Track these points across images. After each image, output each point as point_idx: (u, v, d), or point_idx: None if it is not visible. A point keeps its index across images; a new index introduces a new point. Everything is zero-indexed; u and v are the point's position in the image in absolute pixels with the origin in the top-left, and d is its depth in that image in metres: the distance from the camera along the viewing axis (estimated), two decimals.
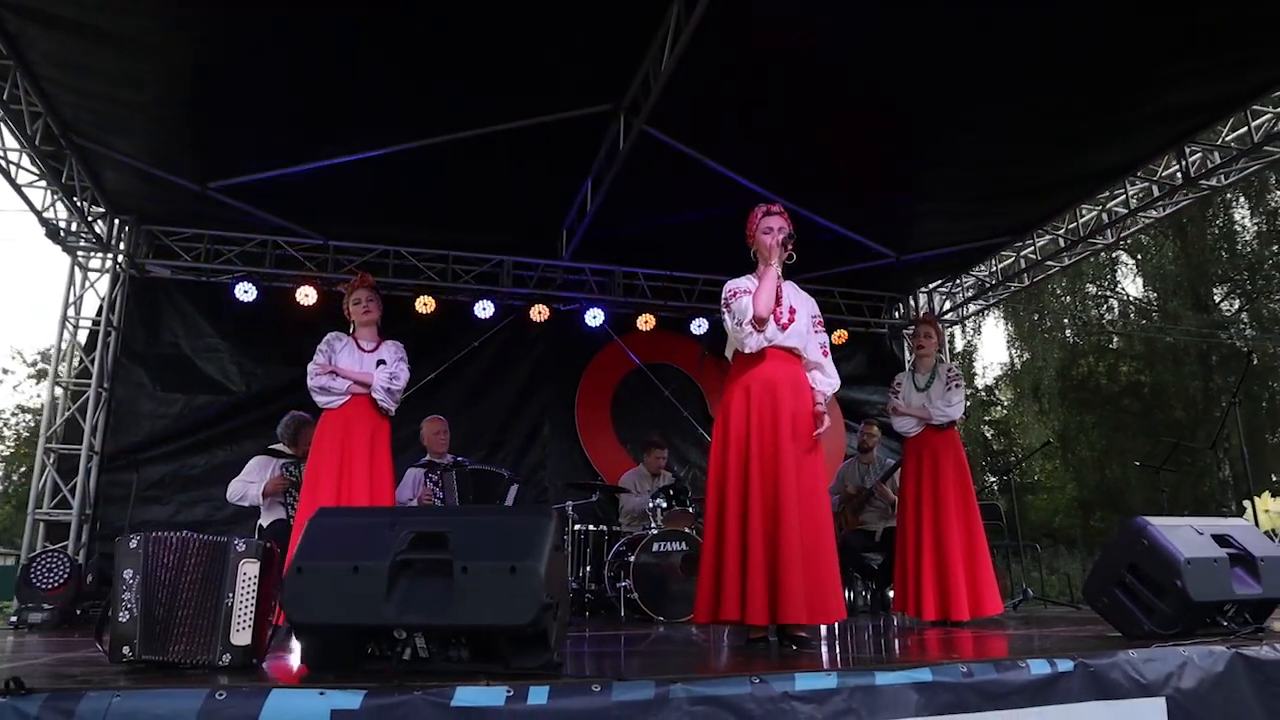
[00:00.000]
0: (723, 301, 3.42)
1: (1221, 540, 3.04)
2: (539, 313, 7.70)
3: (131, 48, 4.80)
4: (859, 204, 6.94)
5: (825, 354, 3.49)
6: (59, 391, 6.39)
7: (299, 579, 2.08)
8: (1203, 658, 2.48)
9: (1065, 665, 2.31)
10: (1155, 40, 4.87)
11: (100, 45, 4.77)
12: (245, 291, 6.80)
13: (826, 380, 3.44)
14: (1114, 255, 19.72)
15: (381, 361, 4.00)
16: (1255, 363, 15.77)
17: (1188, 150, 5.92)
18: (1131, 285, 21.48)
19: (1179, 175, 6.07)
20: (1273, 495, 9.13)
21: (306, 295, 6.91)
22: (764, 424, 3.21)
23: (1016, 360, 21.02)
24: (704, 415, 8.29)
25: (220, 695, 1.74)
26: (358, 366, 3.94)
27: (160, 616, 2.16)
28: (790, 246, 3.43)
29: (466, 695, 1.83)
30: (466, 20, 4.77)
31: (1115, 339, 21.41)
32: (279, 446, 5.11)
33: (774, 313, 3.35)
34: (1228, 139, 5.74)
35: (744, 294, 3.36)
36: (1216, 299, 19.62)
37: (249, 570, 2.23)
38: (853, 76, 5.30)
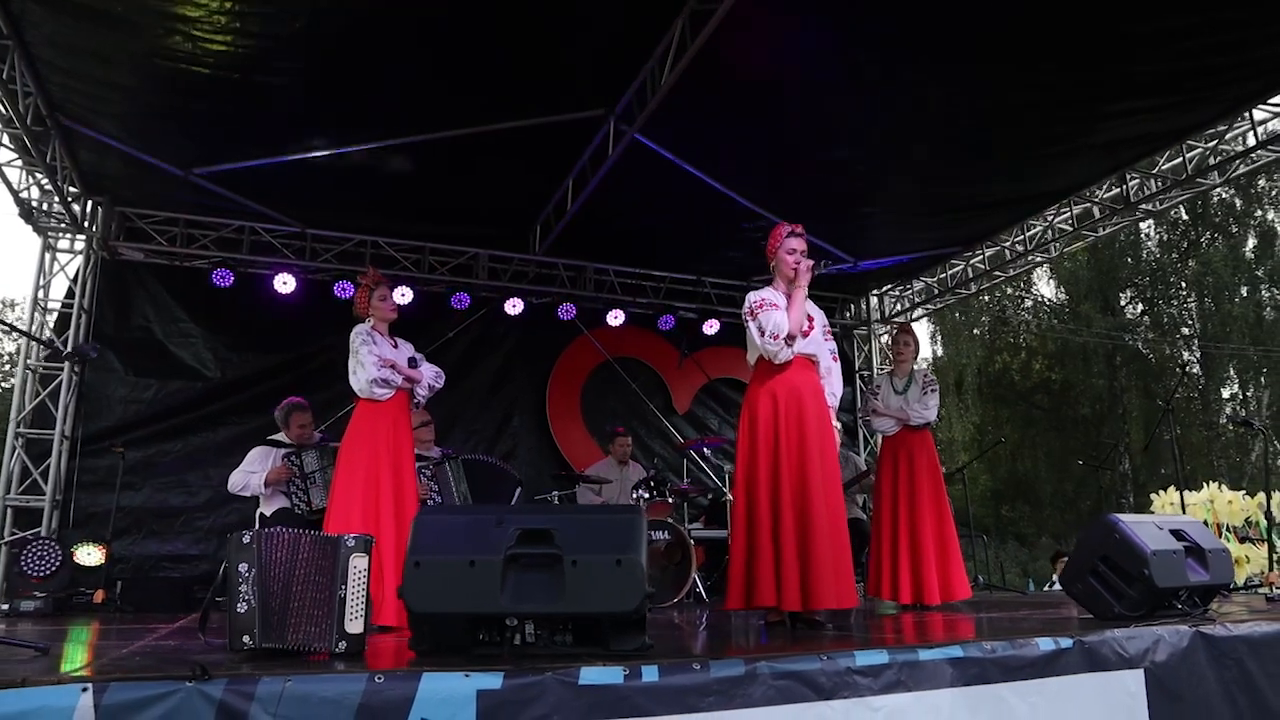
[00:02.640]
0: (748, 311, 3.70)
1: (1177, 534, 3.50)
2: (513, 306, 7.85)
3: (129, 31, 4.77)
4: (824, 212, 7.31)
5: (835, 359, 3.83)
6: (28, 374, 6.24)
7: (417, 572, 2.27)
8: (1171, 635, 2.90)
9: (1066, 643, 2.70)
10: (1101, 82, 5.40)
11: (98, 27, 4.72)
12: (223, 277, 6.75)
13: (831, 394, 3.78)
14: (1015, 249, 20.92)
15: (412, 359, 4.15)
16: (1185, 372, 17.01)
17: (1128, 177, 6.50)
18: (1046, 287, 22.83)
19: (1119, 199, 6.65)
20: (1177, 489, 10.00)
21: (285, 283, 6.90)
22: (790, 427, 3.52)
23: (941, 353, 22.06)
24: (668, 408, 8.60)
25: (379, 679, 1.93)
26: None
27: (276, 607, 2.32)
28: (814, 270, 3.72)
29: (590, 675, 2.07)
30: (465, 27, 4.89)
31: (1029, 338, 22.71)
32: (278, 436, 5.17)
33: None
34: (1164, 168, 6.34)
35: (771, 307, 3.63)
36: (1122, 303, 21.03)
37: (359, 564, 2.41)
38: (827, 96, 5.65)
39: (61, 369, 6.23)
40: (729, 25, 4.72)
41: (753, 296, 3.73)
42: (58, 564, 4.85)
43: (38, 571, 4.81)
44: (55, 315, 6.46)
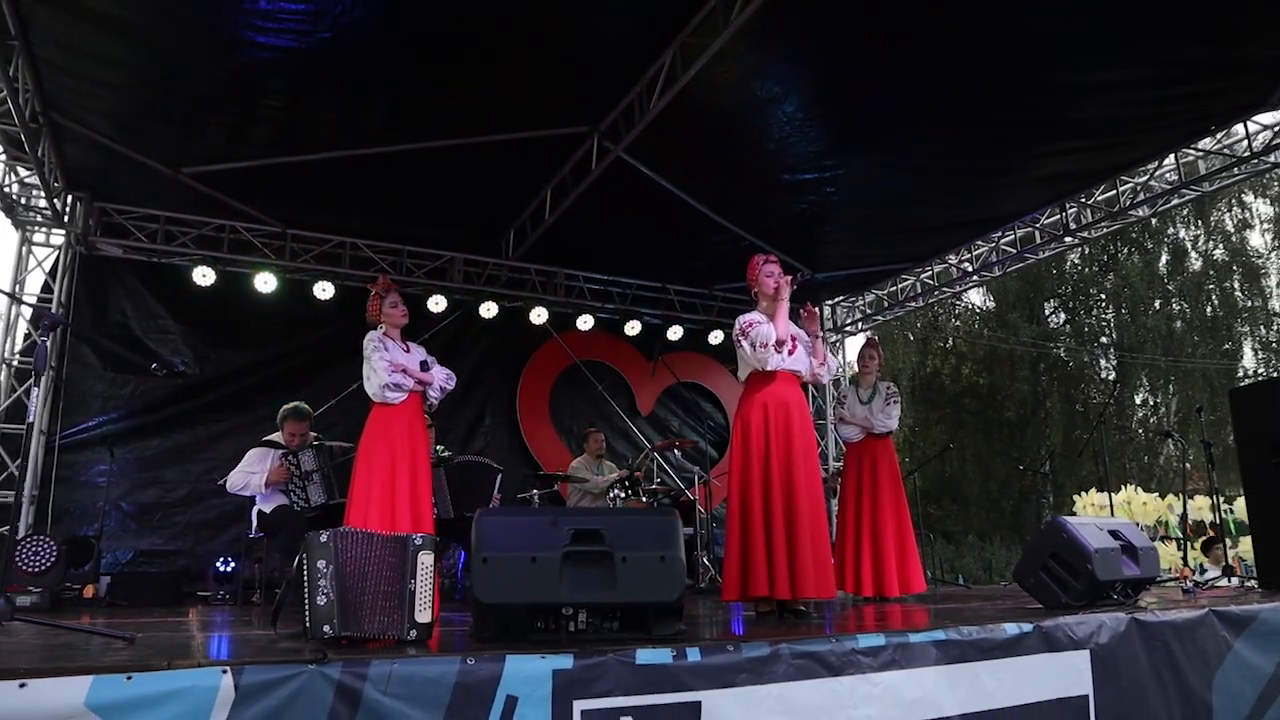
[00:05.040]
0: (739, 331, 4.08)
1: (1114, 534, 3.99)
2: (487, 309, 8.07)
3: (135, 37, 4.89)
4: (788, 227, 7.75)
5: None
6: (4, 369, 6.21)
7: (485, 568, 2.56)
8: (1112, 621, 3.36)
9: (1027, 627, 3.13)
10: (1045, 123, 5.98)
11: (106, 31, 4.82)
12: (204, 275, 6.80)
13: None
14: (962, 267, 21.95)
15: (424, 362, 4.38)
16: (1118, 385, 18.04)
17: (1067, 206, 7.11)
18: (976, 296, 23.90)
19: (1058, 225, 7.27)
20: (1099, 490, 10.80)
21: (266, 282, 6.99)
22: (779, 435, 3.91)
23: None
24: (633, 410, 8.94)
25: (470, 661, 2.22)
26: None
27: (352, 600, 2.57)
28: (794, 283, 4.13)
29: (644, 655, 2.40)
30: (455, 44, 5.13)
31: (960, 343, 23.76)
32: (274, 437, 5.32)
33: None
34: (1098, 200, 6.96)
35: (759, 324, 4.04)
36: (1046, 313, 22.21)
37: (426, 560, 2.68)
38: (799, 124, 6.07)
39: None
40: (716, 58, 5.09)
41: (741, 319, 4.13)
42: (53, 559, 4.92)
43: (33, 566, 4.87)
44: (31, 310, 6.43)
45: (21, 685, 1.75)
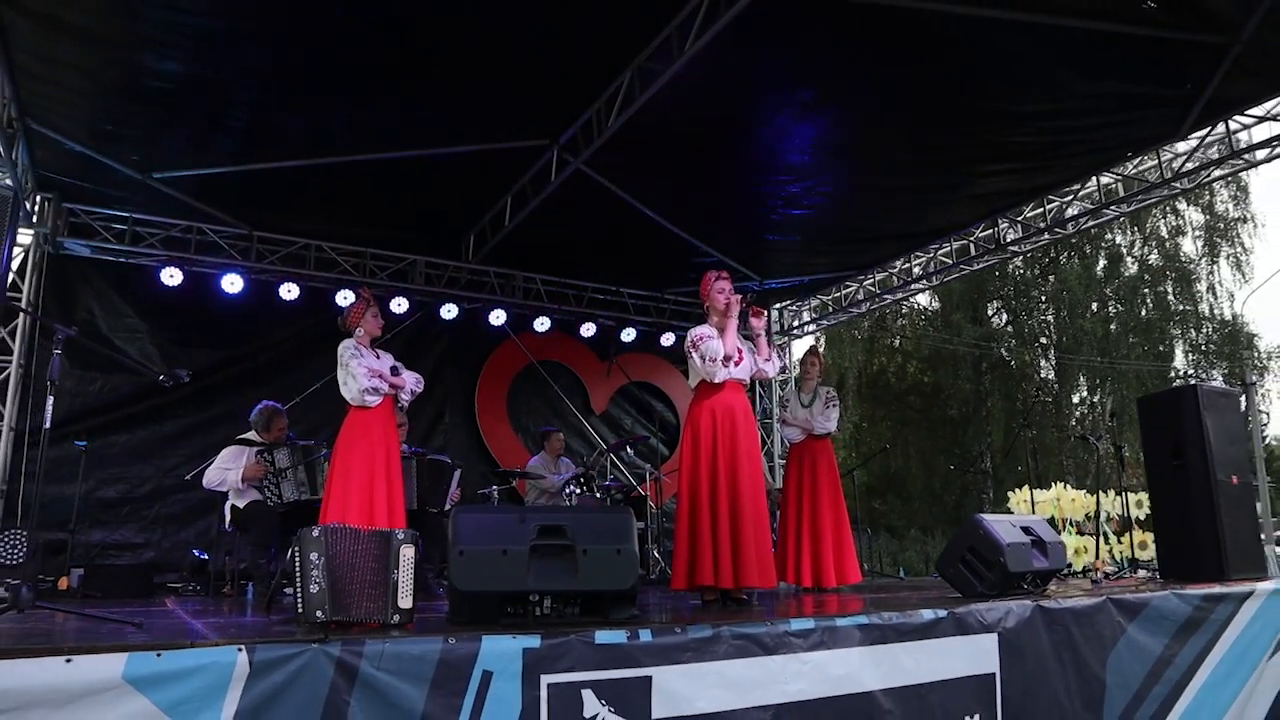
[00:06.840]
0: (690, 344, 4.45)
1: (1026, 530, 4.43)
2: (448, 310, 8.32)
3: (109, 50, 5.08)
4: (738, 237, 8.15)
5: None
6: None
7: (462, 559, 2.87)
8: (1018, 608, 3.78)
9: (942, 613, 3.53)
10: (980, 145, 6.47)
11: (83, 44, 5.00)
12: (171, 276, 6.94)
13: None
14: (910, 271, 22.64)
15: (394, 368, 4.65)
16: (1045, 385, 18.80)
17: (999, 221, 7.63)
18: (922, 297, 24.64)
19: (991, 239, 7.78)
20: (1032, 487, 11.39)
21: (233, 283, 7.15)
22: (726, 438, 4.28)
23: (824, 355, 23.43)
24: (587, 408, 9.26)
25: (451, 641, 2.53)
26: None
27: (342, 588, 2.86)
28: (743, 302, 4.50)
29: (602, 637, 2.73)
30: (429, 64, 5.40)
31: (905, 343, 24.51)
32: (250, 435, 5.53)
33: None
34: (1029, 216, 7.49)
35: (709, 339, 4.40)
36: (989, 314, 23.04)
37: (407, 553, 2.98)
38: (751, 143, 6.48)
39: (10, 362, 6.33)
40: (671, 80, 5.42)
41: (693, 332, 4.50)
42: (30, 552, 5.07)
43: (8, 559, 5.03)
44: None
45: (68, 660, 2.02)
